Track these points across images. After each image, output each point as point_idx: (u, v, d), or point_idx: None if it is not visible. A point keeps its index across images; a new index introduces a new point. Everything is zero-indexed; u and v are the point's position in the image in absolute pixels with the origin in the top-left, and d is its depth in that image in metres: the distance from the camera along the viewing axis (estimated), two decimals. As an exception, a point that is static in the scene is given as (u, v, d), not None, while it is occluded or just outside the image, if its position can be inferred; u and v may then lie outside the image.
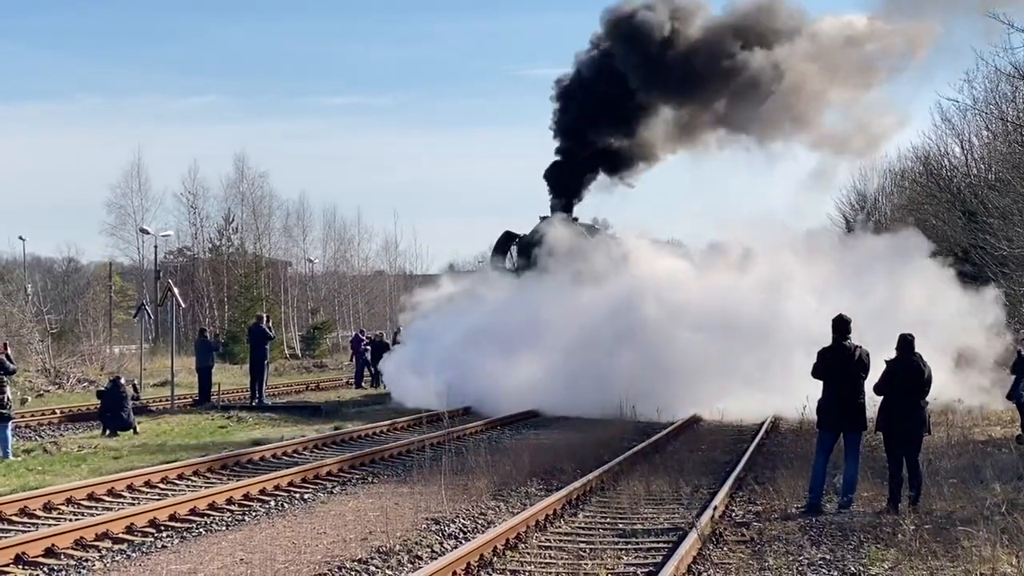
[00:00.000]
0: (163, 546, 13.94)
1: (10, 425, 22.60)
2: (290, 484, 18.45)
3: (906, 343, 15.74)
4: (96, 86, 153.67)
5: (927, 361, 15.87)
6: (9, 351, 23.72)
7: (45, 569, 12.74)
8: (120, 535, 14.46)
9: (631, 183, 44.15)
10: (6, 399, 22.41)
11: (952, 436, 21.28)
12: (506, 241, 41.72)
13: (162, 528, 15.07)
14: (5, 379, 22.62)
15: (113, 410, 26.27)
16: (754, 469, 20.00)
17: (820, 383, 16.16)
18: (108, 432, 25.89)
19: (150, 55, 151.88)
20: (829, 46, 41.11)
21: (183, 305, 45.88)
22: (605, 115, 40.91)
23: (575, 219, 41.77)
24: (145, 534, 14.70)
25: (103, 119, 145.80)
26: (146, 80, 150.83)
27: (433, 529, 14.65)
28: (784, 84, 39.46)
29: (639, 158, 43.64)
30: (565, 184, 42.22)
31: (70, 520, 15.37)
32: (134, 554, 13.48)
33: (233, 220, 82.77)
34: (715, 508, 15.31)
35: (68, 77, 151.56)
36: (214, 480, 19.36)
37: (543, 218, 41.40)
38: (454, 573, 12.00)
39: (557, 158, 42.51)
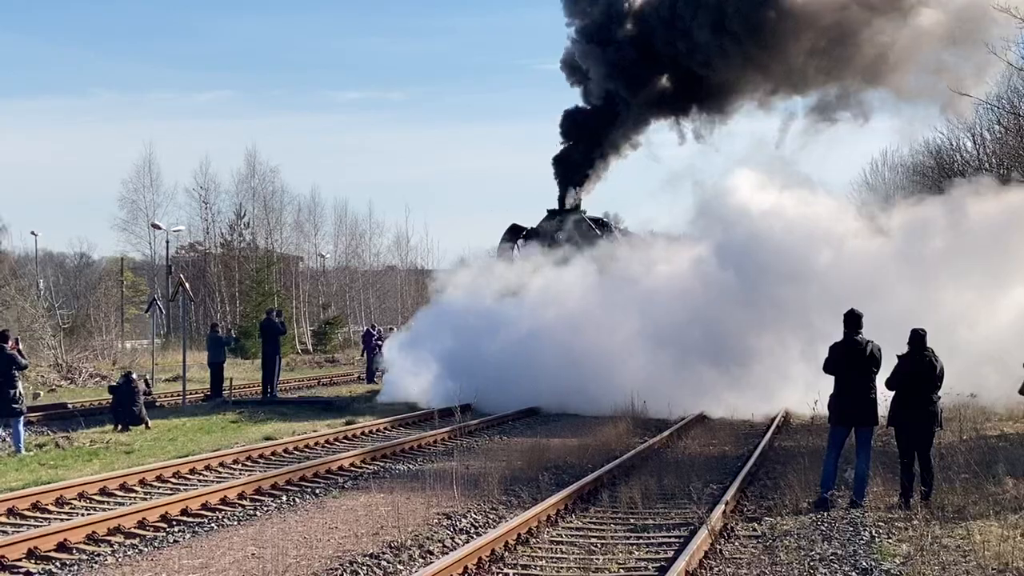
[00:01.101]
0: (175, 541, 13.97)
1: (22, 420, 22.65)
2: (301, 479, 18.47)
3: (918, 338, 15.70)
4: (109, 81, 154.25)
5: (938, 356, 15.84)
6: (21, 346, 23.72)
7: (57, 564, 12.77)
8: (132, 530, 14.50)
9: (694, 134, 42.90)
10: (18, 394, 22.45)
11: (964, 431, 21.24)
12: (512, 234, 41.47)
13: (173, 523, 15.10)
14: (17, 374, 22.65)
15: (125, 405, 26.31)
16: (765, 464, 19.99)
17: (832, 378, 16.15)
18: (120, 427, 25.92)
19: (163, 50, 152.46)
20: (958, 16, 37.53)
21: (194, 300, 45.90)
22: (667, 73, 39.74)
23: (583, 212, 41.48)
24: (157, 529, 14.73)
25: (115, 114, 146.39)
26: (159, 75, 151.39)
27: (444, 524, 14.66)
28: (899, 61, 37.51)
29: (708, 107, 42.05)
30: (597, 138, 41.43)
31: (82, 515, 15.39)
32: (146, 549, 13.51)
33: (245, 215, 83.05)
34: (726, 503, 15.31)
35: (81, 72, 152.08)
36: (226, 475, 19.40)
37: (550, 211, 41.16)
38: (466, 568, 12.01)
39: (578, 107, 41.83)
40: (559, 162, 42.12)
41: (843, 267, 29.21)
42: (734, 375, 28.97)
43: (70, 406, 30.99)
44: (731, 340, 29.29)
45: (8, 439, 22.50)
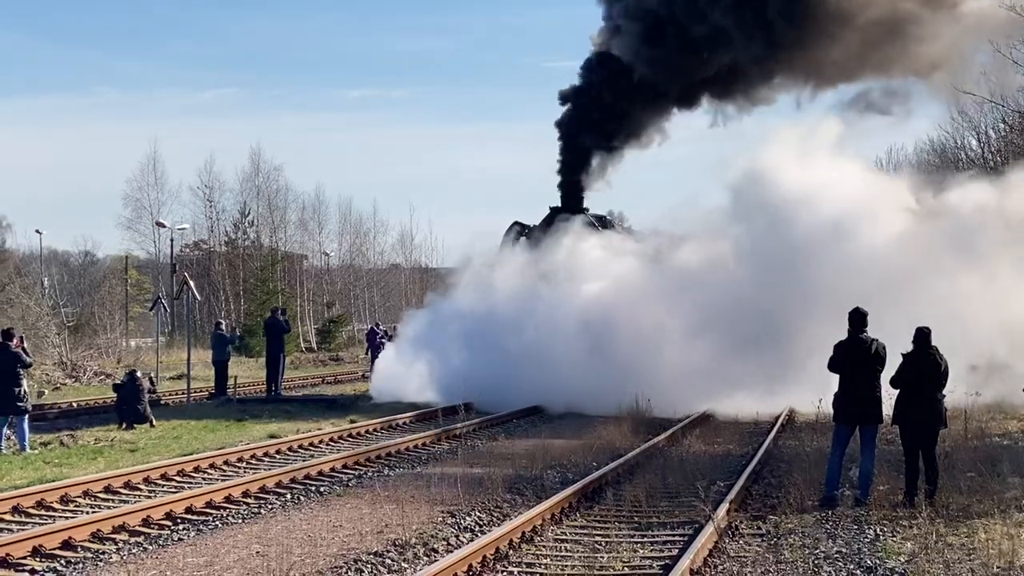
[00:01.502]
0: (179, 539, 13.97)
1: (27, 418, 22.66)
2: (306, 477, 18.48)
3: (923, 336, 15.68)
4: (113, 80, 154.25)
5: (943, 354, 15.81)
6: (26, 344, 23.75)
7: (62, 562, 12.77)
8: (137, 528, 14.50)
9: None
10: (23, 392, 22.47)
11: (969, 430, 21.22)
12: (515, 231, 40.87)
13: (178, 521, 15.11)
14: (21, 372, 22.67)
15: (129, 403, 26.32)
16: (770, 463, 19.97)
17: (836, 376, 16.13)
18: (124, 425, 25.93)
19: (167, 49, 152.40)
20: None
21: (199, 298, 45.88)
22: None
23: (586, 210, 40.96)
24: (161, 527, 14.74)
25: (120, 112, 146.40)
26: (163, 73, 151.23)
27: (449, 522, 14.66)
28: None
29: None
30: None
31: (87, 513, 15.41)
32: (150, 547, 13.51)
33: (249, 213, 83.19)
34: (731, 501, 15.29)
35: (86, 71, 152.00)
36: (230, 473, 19.41)
37: (553, 208, 40.72)
38: (470, 566, 12.00)
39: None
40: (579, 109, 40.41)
41: (893, 251, 27.98)
42: (772, 371, 27.87)
43: (73, 405, 31.00)
44: (771, 331, 28.06)
45: (13, 437, 22.54)
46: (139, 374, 27.46)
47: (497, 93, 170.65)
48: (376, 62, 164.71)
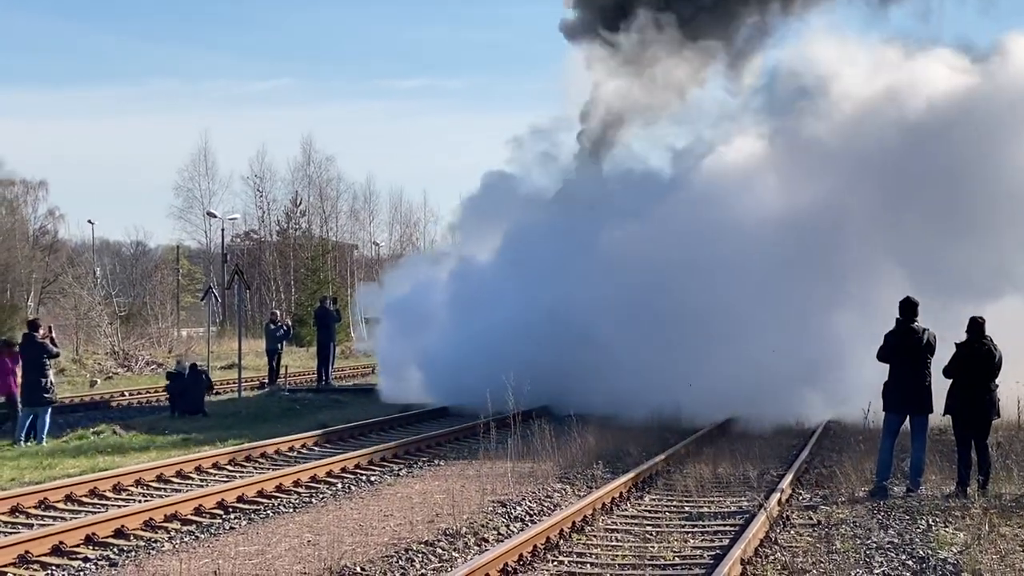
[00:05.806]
0: (231, 528, 14.05)
1: (49, 410, 22.52)
2: (356, 466, 18.55)
3: (977, 326, 15.55)
4: (165, 70, 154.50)
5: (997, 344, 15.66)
6: (54, 334, 23.61)
7: (115, 550, 12.87)
8: (189, 517, 14.60)
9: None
10: (48, 383, 22.39)
11: (1022, 420, 21.02)
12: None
13: (230, 510, 15.20)
14: (48, 363, 22.54)
15: (183, 393, 26.49)
16: (821, 452, 19.87)
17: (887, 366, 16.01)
18: (177, 414, 26.09)
19: (219, 38, 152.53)
20: None
21: (250, 288, 46.04)
22: None
23: None
24: (213, 516, 14.83)
25: (172, 102, 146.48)
26: (215, 63, 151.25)
27: (499, 512, 14.67)
28: None
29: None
30: None
31: (139, 501, 15.54)
32: (202, 535, 13.59)
33: (300, 203, 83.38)
34: (782, 491, 15.24)
35: (139, 61, 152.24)
36: (281, 462, 19.50)
37: None
38: (521, 556, 12.00)
39: None
40: None
41: None
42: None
43: (125, 394, 31.20)
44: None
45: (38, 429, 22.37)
46: (198, 365, 27.87)
47: (549, 83, 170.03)
48: (430, 52, 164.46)
